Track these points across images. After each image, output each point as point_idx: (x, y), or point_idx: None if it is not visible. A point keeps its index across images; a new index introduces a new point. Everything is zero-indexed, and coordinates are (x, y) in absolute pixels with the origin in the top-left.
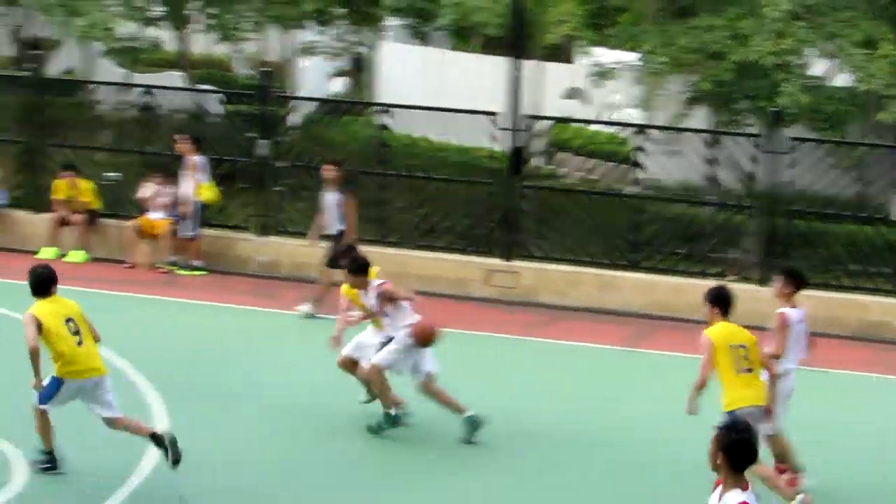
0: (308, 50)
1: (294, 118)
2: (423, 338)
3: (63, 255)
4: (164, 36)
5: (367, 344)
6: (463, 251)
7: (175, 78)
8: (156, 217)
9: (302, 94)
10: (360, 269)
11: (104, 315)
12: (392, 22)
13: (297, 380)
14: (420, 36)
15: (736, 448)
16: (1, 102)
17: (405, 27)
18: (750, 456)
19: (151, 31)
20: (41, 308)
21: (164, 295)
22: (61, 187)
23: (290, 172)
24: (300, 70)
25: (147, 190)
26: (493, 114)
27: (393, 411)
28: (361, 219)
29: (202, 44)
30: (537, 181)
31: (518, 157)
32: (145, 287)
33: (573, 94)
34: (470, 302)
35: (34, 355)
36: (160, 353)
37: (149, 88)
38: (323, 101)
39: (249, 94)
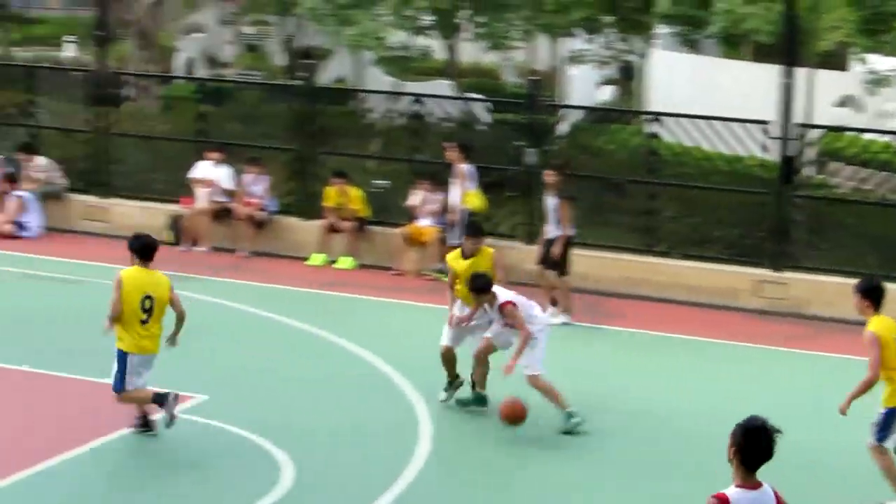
0: (577, 58)
1: (562, 127)
2: (510, 421)
3: (332, 262)
4: (434, 45)
5: (465, 332)
6: (732, 261)
7: (444, 86)
8: (424, 224)
9: (570, 102)
10: (482, 289)
11: (372, 321)
12: (661, 30)
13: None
14: (690, 43)
15: (749, 446)
16: (273, 111)
17: (674, 35)
18: (762, 456)
19: (421, 40)
20: (130, 272)
21: (431, 302)
22: (331, 194)
23: None
24: (568, 78)
25: (416, 197)
26: (764, 122)
27: (569, 409)
28: (629, 228)
29: (471, 52)
30: (809, 191)
31: (789, 166)
32: (412, 294)
33: (846, 102)
34: (738, 312)
35: (112, 318)
36: (425, 359)
37: (418, 97)
38: (591, 110)
39: (517, 102)
